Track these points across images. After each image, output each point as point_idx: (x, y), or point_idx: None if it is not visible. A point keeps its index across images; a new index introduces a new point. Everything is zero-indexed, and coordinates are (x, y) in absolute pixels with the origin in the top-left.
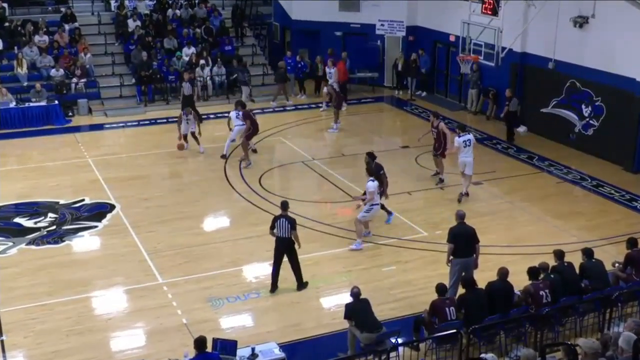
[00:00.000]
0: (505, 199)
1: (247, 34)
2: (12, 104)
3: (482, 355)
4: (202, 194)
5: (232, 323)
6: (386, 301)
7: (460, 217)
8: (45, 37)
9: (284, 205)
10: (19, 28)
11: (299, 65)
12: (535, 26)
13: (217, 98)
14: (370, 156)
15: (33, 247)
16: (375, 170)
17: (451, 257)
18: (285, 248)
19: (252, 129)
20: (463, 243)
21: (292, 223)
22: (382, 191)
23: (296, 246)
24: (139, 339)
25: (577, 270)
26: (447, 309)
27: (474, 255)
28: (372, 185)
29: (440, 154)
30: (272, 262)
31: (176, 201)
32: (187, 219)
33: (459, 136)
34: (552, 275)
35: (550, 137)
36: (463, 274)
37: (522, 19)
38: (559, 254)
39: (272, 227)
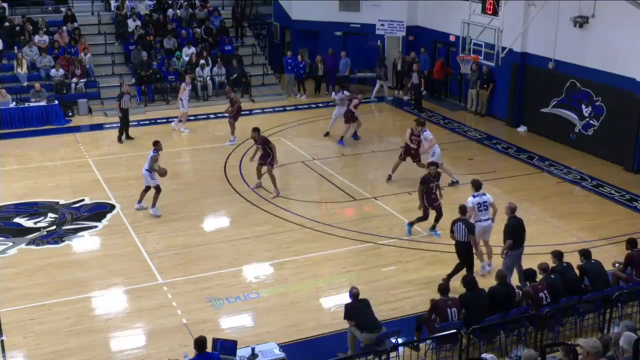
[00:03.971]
0: (505, 199)
1: (247, 34)
2: (12, 104)
3: (483, 356)
4: (201, 194)
5: (232, 323)
6: (386, 301)
7: (512, 210)
8: (45, 37)
9: (462, 210)
10: (19, 28)
11: (301, 65)
12: (535, 26)
13: (217, 98)
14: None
15: (33, 247)
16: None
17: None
18: (463, 251)
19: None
20: (519, 235)
21: (470, 227)
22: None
23: (474, 250)
24: (138, 339)
25: (577, 272)
26: (448, 309)
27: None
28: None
29: (418, 160)
30: (274, 262)
31: (176, 201)
32: (186, 219)
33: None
34: (552, 276)
35: (550, 137)
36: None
37: (522, 19)
38: (558, 255)
39: (452, 231)
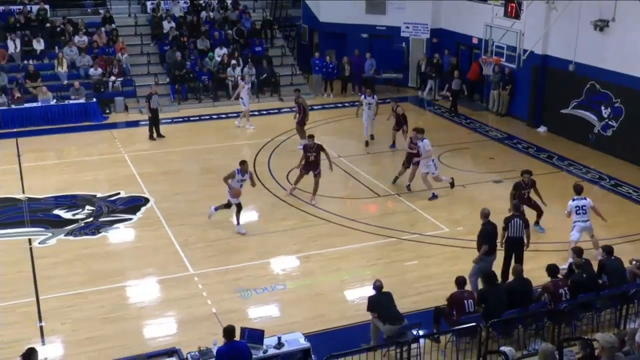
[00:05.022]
0: None
1: (277, 35)
2: (53, 102)
3: (501, 348)
4: None
5: (260, 313)
6: (408, 294)
7: (486, 215)
8: (85, 38)
9: (517, 207)
10: (60, 28)
11: (329, 66)
12: (556, 29)
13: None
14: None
15: (71, 237)
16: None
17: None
18: (516, 247)
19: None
20: (494, 241)
21: (526, 223)
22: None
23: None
24: (170, 327)
25: (596, 267)
26: (465, 301)
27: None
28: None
29: (416, 163)
30: (300, 255)
31: (207, 196)
32: (217, 213)
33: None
34: (575, 272)
35: (569, 137)
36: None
37: (543, 22)
38: (578, 251)
39: (505, 228)
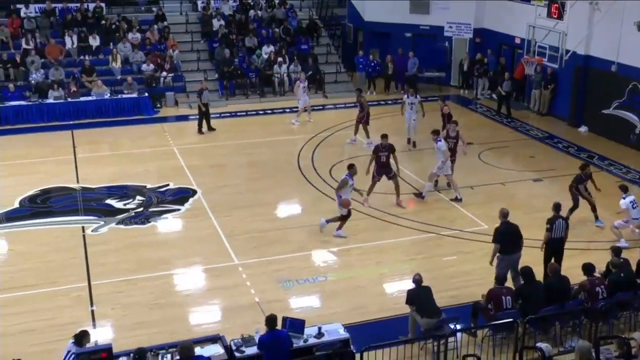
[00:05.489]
0: (563, 196)
1: (323, 34)
2: (107, 95)
3: (538, 345)
4: (275, 182)
5: (301, 303)
6: (446, 289)
7: (504, 215)
8: (138, 35)
9: (557, 207)
10: (114, 26)
11: (372, 64)
12: (599, 30)
13: (293, 94)
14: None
15: (122, 226)
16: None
17: (498, 254)
18: (558, 248)
19: None
20: (510, 241)
21: (568, 224)
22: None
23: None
24: (214, 315)
25: (635, 267)
26: (503, 297)
27: (520, 252)
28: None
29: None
30: (341, 248)
31: (252, 188)
32: (261, 206)
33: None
34: (612, 270)
35: (610, 137)
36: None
37: (586, 23)
38: (616, 251)
39: (549, 230)
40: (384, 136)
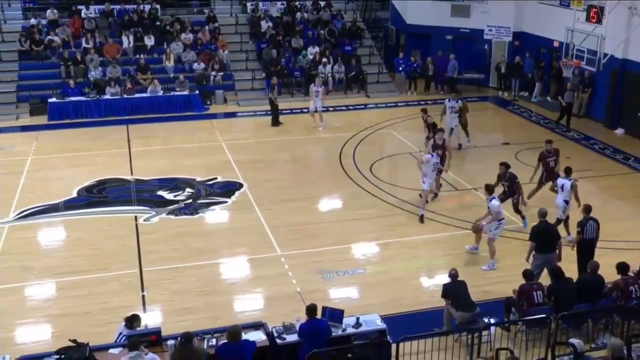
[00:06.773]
0: (599, 196)
1: (366, 36)
2: (160, 92)
3: (570, 340)
4: (317, 177)
5: (340, 294)
6: (480, 284)
7: (542, 215)
8: (190, 35)
9: (588, 209)
10: (168, 26)
11: (413, 66)
12: (637, 34)
13: (337, 93)
14: (505, 166)
15: (172, 217)
16: (510, 179)
17: (534, 253)
18: (590, 249)
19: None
20: (545, 240)
21: (599, 225)
22: (518, 199)
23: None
24: (257, 303)
25: None
26: (534, 292)
27: (556, 251)
28: (496, 204)
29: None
30: (379, 242)
31: (294, 183)
32: (303, 200)
33: None
34: None
35: None
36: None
37: (625, 27)
38: None
39: (581, 232)
40: (549, 141)
